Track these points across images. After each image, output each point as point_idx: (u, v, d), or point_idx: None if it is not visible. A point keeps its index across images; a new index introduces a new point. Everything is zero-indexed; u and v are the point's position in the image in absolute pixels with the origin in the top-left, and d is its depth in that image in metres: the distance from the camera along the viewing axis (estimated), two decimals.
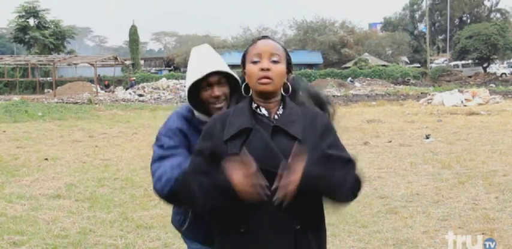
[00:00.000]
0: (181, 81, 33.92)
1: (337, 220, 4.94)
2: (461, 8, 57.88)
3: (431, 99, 20.56)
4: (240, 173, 1.64)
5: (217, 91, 2.09)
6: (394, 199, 5.83)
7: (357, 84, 36.37)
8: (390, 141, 10.50)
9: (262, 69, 1.77)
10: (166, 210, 4.04)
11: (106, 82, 40.34)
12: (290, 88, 1.87)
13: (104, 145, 10.89)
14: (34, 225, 5.01)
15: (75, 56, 39.87)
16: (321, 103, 2.00)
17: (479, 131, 11.76)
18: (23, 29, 45.94)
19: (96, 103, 25.19)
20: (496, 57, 44.96)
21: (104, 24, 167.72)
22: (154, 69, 50.72)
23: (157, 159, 2.05)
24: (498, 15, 61.10)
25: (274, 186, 1.65)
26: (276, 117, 1.81)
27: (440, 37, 61.19)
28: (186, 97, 2.14)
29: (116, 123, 16.36)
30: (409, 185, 6.47)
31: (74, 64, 40.79)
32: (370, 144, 10.15)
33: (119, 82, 40.87)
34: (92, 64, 36.13)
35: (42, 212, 5.51)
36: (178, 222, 2.27)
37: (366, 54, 47.04)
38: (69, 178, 7.31)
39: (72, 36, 49.68)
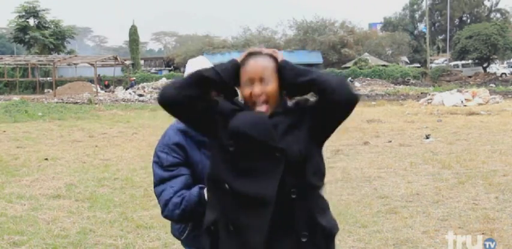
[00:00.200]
0: None
1: (337, 220, 4.94)
2: (461, 8, 57.86)
3: (431, 99, 20.56)
4: None
5: None
6: (394, 199, 5.83)
7: (356, 84, 36.36)
8: (390, 141, 10.50)
9: (255, 95, 1.84)
10: None
11: (106, 82, 40.33)
12: (287, 101, 1.93)
13: (104, 145, 10.89)
14: (34, 225, 5.01)
15: (75, 56, 39.85)
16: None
17: (479, 131, 11.76)
18: (23, 29, 45.93)
19: (96, 103, 25.19)
20: (496, 57, 44.94)
21: (104, 24, 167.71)
22: (154, 69, 50.72)
23: (159, 182, 2.11)
24: (498, 15, 61.08)
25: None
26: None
27: (440, 37, 61.16)
28: None
29: (116, 123, 16.36)
30: (409, 185, 6.47)
31: (74, 64, 40.78)
32: (370, 144, 10.16)
33: (118, 82, 40.86)
34: (92, 64, 36.13)
35: (42, 212, 5.51)
36: (177, 231, 2.29)
37: (366, 54, 47.01)
38: (69, 178, 7.31)
39: (72, 36, 49.66)
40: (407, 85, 36.40)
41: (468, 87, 26.68)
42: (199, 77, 1.82)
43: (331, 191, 6.27)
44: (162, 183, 2.10)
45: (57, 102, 25.13)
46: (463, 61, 44.98)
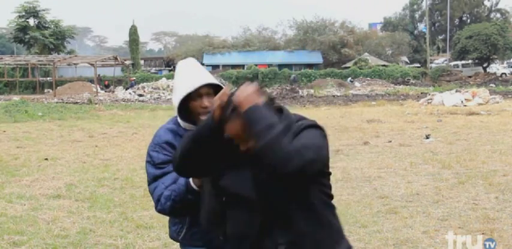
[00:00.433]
0: None
1: None
2: (461, 8, 57.87)
3: (431, 99, 20.55)
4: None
5: (207, 102, 2.21)
6: (394, 199, 5.83)
7: (357, 84, 36.37)
8: (390, 141, 10.50)
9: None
10: None
11: (106, 82, 40.34)
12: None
13: (104, 145, 10.89)
14: (34, 225, 5.01)
15: (75, 56, 39.86)
16: None
17: (479, 131, 11.75)
18: (23, 29, 45.94)
19: (96, 103, 25.19)
20: (496, 57, 44.96)
21: (104, 24, 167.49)
22: (154, 69, 50.73)
23: (153, 180, 2.23)
24: (498, 15, 61.10)
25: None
26: None
27: (440, 37, 61.18)
28: (176, 108, 2.24)
29: (116, 123, 16.36)
30: (409, 185, 6.47)
31: (74, 64, 40.80)
32: (370, 144, 10.15)
33: (119, 82, 40.87)
34: (92, 64, 36.13)
35: (42, 212, 5.51)
36: (175, 232, 2.35)
37: (366, 54, 47.03)
38: (69, 178, 7.31)
39: (72, 36, 49.67)
40: (407, 85, 36.40)
41: (468, 87, 26.68)
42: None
43: (332, 191, 6.28)
44: (155, 181, 2.21)
45: (57, 102, 25.14)
46: (463, 61, 45.00)
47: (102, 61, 38.86)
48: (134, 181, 7.04)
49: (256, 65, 42.78)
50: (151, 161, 2.25)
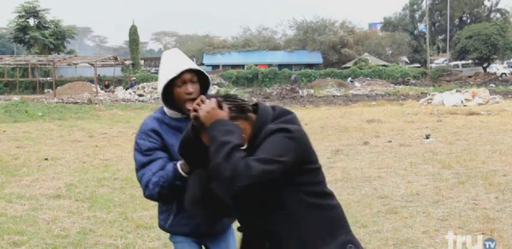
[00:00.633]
0: None
1: None
2: (461, 8, 57.85)
3: (431, 99, 20.54)
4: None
5: (191, 88, 2.27)
6: (394, 199, 5.83)
7: (357, 84, 36.36)
8: (390, 141, 10.50)
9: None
10: None
11: (106, 82, 40.32)
12: None
13: (104, 145, 10.89)
14: (34, 225, 5.01)
15: (75, 56, 39.83)
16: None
17: (479, 131, 11.75)
18: (23, 29, 45.92)
19: (96, 103, 25.19)
20: (496, 57, 44.95)
21: (104, 24, 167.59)
22: (154, 69, 50.67)
23: (140, 167, 2.30)
24: (498, 15, 61.09)
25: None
26: None
27: (440, 37, 61.17)
28: (160, 95, 2.32)
29: (116, 123, 16.36)
30: (409, 185, 6.47)
31: (74, 64, 40.79)
32: (370, 144, 10.15)
33: (119, 82, 40.86)
34: (92, 64, 36.12)
35: (42, 212, 5.51)
36: (163, 221, 2.42)
37: (366, 54, 47.04)
38: (69, 178, 7.31)
39: (72, 36, 49.64)
40: (407, 85, 36.40)
41: (468, 87, 26.68)
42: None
43: (332, 191, 6.27)
44: (142, 167, 2.29)
45: (57, 102, 25.13)
46: (463, 61, 45.00)
47: (102, 61, 38.85)
48: (134, 181, 7.02)
49: (256, 65, 42.77)
50: (138, 149, 2.32)
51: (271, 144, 1.79)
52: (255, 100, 24.02)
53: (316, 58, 48.04)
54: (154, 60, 55.20)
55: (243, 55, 48.95)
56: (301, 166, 1.85)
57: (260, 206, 1.88)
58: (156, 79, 37.46)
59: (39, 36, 44.89)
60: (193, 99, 2.22)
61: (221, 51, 49.98)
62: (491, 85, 34.47)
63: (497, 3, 61.21)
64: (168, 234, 2.52)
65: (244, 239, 2.00)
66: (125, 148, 10.39)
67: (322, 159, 8.58)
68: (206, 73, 2.35)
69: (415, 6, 60.33)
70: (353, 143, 10.34)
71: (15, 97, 27.78)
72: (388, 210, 5.35)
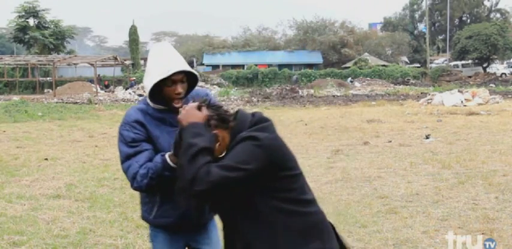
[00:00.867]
0: None
1: (337, 220, 4.94)
2: (461, 8, 57.88)
3: (431, 99, 20.54)
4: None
5: (180, 88, 2.29)
6: (394, 199, 5.83)
7: (356, 84, 36.36)
8: (390, 141, 10.50)
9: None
10: None
11: (106, 82, 40.31)
12: None
13: (103, 145, 10.90)
14: (34, 225, 5.01)
15: (75, 56, 39.80)
16: None
17: (479, 131, 11.75)
18: (23, 28, 45.88)
19: (96, 103, 25.18)
20: (496, 57, 44.95)
21: (104, 24, 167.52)
22: None
23: (125, 158, 2.29)
24: (498, 15, 61.11)
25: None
26: None
27: (440, 37, 61.19)
28: (147, 92, 2.30)
29: (116, 122, 16.32)
30: (409, 185, 6.47)
31: (74, 64, 40.76)
32: (370, 144, 10.15)
33: (118, 82, 40.83)
34: (91, 64, 36.11)
35: (42, 212, 5.51)
36: (146, 212, 2.45)
37: (366, 54, 47.03)
38: (69, 178, 7.31)
39: (72, 36, 49.61)
40: (407, 85, 36.39)
41: (468, 87, 26.67)
42: None
43: (331, 191, 6.28)
44: (128, 159, 2.28)
45: (57, 102, 25.13)
46: (463, 61, 45.00)
47: (102, 61, 38.83)
48: None
49: (256, 65, 42.77)
50: (123, 140, 2.32)
51: (237, 152, 1.86)
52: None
53: (316, 58, 48.04)
54: None
55: (243, 55, 48.95)
56: (276, 173, 1.88)
57: (232, 209, 1.93)
58: None
59: (39, 36, 44.86)
60: (182, 98, 2.30)
61: (221, 51, 49.98)
62: (491, 85, 34.47)
63: (497, 3, 61.30)
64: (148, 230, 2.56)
65: (224, 238, 2.06)
66: None
67: (322, 159, 8.58)
68: (196, 73, 2.36)
69: (415, 6, 60.36)
70: (353, 143, 10.34)
71: (15, 97, 27.77)
72: (388, 210, 5.35)
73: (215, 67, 47.53)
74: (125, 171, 2.30)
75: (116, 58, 38.30)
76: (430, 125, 13.27)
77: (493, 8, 61.35)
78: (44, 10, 47.52)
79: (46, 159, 8.96)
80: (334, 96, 29.20)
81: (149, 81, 2.28)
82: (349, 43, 48.17)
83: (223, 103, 23.20)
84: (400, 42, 50.78)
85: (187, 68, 2.30)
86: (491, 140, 10.29)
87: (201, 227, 2.48)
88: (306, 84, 36.35)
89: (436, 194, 5.94)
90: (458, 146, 9.56)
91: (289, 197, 1.91)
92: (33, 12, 46.70)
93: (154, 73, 2.27)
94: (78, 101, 26.74)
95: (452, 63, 46.25)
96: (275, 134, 1.94)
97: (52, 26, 47.33)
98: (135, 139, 2.29)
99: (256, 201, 1.89)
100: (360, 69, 41.50)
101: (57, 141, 11.74)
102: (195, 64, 48.85)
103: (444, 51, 58.52)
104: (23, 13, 46.46)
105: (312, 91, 30.68)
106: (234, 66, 45.54)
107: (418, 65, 50.49)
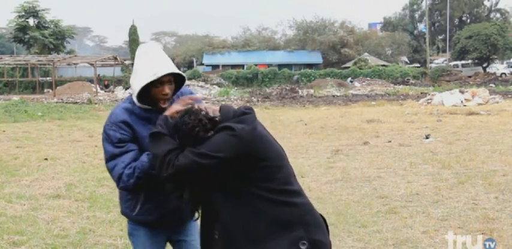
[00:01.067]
0: None
1: (337, 220, 4.95)
2: (461, 8, 57.88)
3: (431, 99, 20.54)
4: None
5: (168, 89, 2.32)
6: (394, 199, 5.83)
7: (356, 84, 36.36)
8: (390, 141, 10.50)
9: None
10: None
11: (106, 82, 40.31)
12: None
13: None
14: (34, 225, 5.01)
15: (75, 56, 39.81)
16: None
17: (479, 131, 11.75)
18: (23, 28, 45.90)
19: (95, 103, 25.19)
20: (495, 57, 44.95)
21: (104, 24, 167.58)
22: None
23: (111, 158, 2.32)
24: (498, 15, 61.11)
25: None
26: None
27: (440, 37, 61.18)
28: (135, 93, 2.31)
29: None
30: (409, 185, 6.47)
31: (74, 64, 40.76)
32: (370, 144, 10.15)
33: (118, 82, 40.82)
34: (91, 64, 36.12)
35: (42, 212, 5.51)
36: (128, 208, 2.45)
37: (366, 54, 47.03)
38: (69, 178, 7.30)
39: (72, 36, 49.63)
40: (407, 85, 36.39)
41: (468, 87, 26.66)
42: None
43: (331, 191, 6.28)
44: (113, 159, 2.32)
45: (57, 102, 25.12)
46: (463, 61, 45.00)
47: (102, 61, 38.83)
48: None
49: (256, 65, 42.77)
50: (109, 140, 2.33)
51: (212, 140, 1.95)
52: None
53: (316, 58, 48.03)
54: None
55: (243, 55, 48.94)
56: (256, 163, 1.95)
57: (215, 198, 1.99)
58: None
59: (39, 36, 44.87)
60: (168, 99, 2.35)
61: (221, 51, 49.96)
62: (491, 85, 34.46)
63: (497, 3, 61.30)
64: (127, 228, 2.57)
65: (201, 230, 2.11)
66: None
67: (322, 159, 8.58)
68: (183, 74, 2.40)
69: (415, 6, 60.35)
70: (353, 143, 10.33)
71: (15, 97, 27.77)
72: (387, 210, 5.35)
73: (215, 67, 47.52)
74: (110, 171, 2.34)
75: (115, 58, 38.30)
76: (429, 125, 13.27)
77: (493, 8, 61.36)
78: (43, 10, 47.56)
79: (46, 159, 8.95)
80: (334, 96, 29.20)
81: (137, 83, 2.30)
82: (349, 43, 48.17)
83: (223, 103, 23.12)
84: (400, 42, 50.78)
85: (175, 70, 2.33)
86: (491, 140, 10.29)
87: (181, 226, 2.53)
88: (305, 84, 36.35)
89: (436, 194, 5.94)
90: (458, 146, 9.56)
91: (272, 188, 1.97)
92: (33, 12, 46.71)
93: (142, 75, 2.29)
94: (78, 101, 26.74)
95: (452, 63, 46.26)
96: (253, 125, 1.99)
97: (52, 26, 47.35)
98: (121, 140, 2.32)
99: (241, 190, 1.95)
100: (360, 69, 41.50)
101: (57, 141, 11.74)
102: (195, 64, 48.84)
103: (444, 51, 58.52)
104: (23, 13, 46.48)
105: (311, 91, 30.68)
106: (233, 66, 45.53)
107: (418, 65, 50.49)
